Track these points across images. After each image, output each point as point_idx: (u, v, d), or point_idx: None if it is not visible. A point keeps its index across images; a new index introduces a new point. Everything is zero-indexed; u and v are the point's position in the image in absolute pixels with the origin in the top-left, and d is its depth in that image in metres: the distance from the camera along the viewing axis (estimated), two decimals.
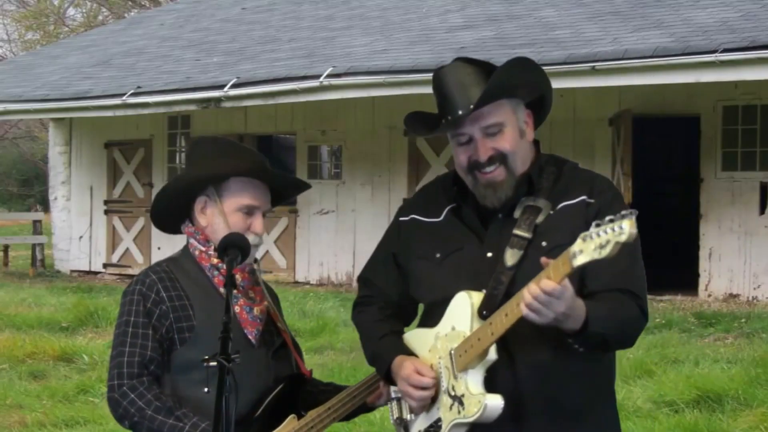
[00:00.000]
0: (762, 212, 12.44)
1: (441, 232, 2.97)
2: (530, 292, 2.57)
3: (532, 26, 13.61)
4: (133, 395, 2.98)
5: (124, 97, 15.40)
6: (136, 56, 17.96)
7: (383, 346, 3.00)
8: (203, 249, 3.10)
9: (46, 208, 23.13)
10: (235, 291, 3.04)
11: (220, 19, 19.55)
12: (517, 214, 2.85)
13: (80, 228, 18.37)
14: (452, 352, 2.79)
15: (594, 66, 11.36)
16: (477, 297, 2.79)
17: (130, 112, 15.85)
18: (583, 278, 2.76)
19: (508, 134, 2.87)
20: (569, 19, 13.56)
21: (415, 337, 2.98)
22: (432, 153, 14.77)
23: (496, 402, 2.72)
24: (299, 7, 18.85)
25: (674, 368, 8.42)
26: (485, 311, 2.76)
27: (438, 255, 2.94)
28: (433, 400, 2.86)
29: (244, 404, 2.95)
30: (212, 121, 16.67)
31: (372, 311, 3.09)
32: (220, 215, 3.06)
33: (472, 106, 2.82)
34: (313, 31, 16.61)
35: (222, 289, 3.02)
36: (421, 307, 3.11)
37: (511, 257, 2.79)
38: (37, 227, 19.13)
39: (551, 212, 2.83)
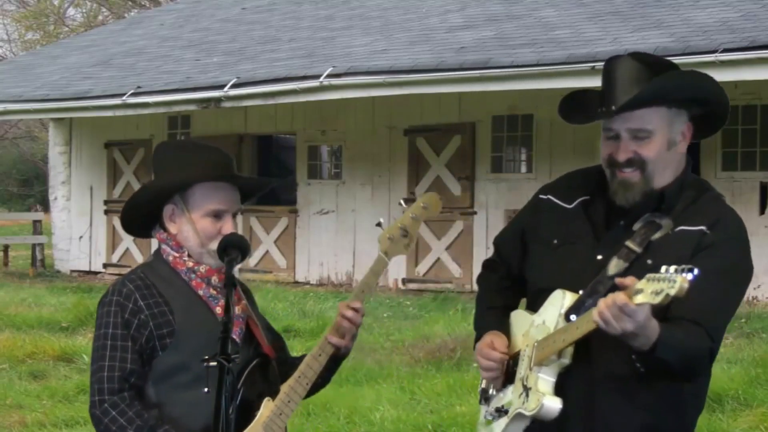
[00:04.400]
0: (762, 212, 12.44)
1: (566, 219, 3.01)
2: (606, 303, 2.61)
3: (532, 26, 13.60)
4: (114, 412, 2.96)
5: (124, 97, 15.40)
6: (136, 56, 17.96)
7: (485, 318, 3.14)
8: (177, 255, 3.08)
9: (46, 208, 23.13)
10: (214, 292, 3.05)
11: (220, 19, 19.55)
12: (636, 226, 2.86)
13: (80, 228, 18.38)
14: (536, 344, 2.89)
15: (594, 66, 11.33)
16: (570, 298, 2.86)
17: (130, 112, 15.85)
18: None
19: (654, 143, 2.86)
20: (569, 19, 13.56)
21: (518, 317, 3.08)
22: (432, 153, 14.77)
23: (553, 404, 2.81)
24: (299, 7, 18.85)
25: None
26: (572, 315, 2.81)
27: (555, 242, 3.00)
28: (511, 381, 2.97)
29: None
30: (212, 121, 16.68)
31: (493, 278, 3.21)
32: (189, 223, 3.05)
33: (614, 107, 2.84)
34: (313, 31, 16.61)
35: (201, 291, 3.04)
36: None
37: (614, 267, 2.81)
38: (37, 227, 19.13)
39: (669, 233, 2.83)
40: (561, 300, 2.86)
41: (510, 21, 14.13)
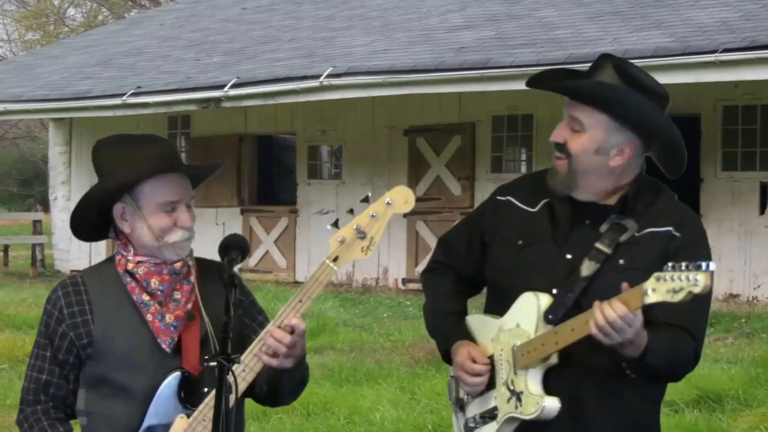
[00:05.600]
0: (762, 212, 12.44)
1: (530, 222, 3.02)
2: (606, 315, 2.65)
3: (532, 26, 13.60)
4: (25, 425, 2.98)
5: (124, 97, 15.40)
6: (136, 56, 17.96)
7: (446, 326, 3.09)
8: (124, 254, 2.97)
9: (46, 208, 23.14)
10: (147, 298, 2.91)
11: (220, 19, 19.55)
12: (603, 228, 2.91)
13: None
14: (515, 348, 2.89)
15: None
16: (545, 300, 2.87)
17: (130, 112, 15.84)
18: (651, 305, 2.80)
19: (582, 140, 2.91)
20: (569, 19, 13.56)
21: (479, 322, 3.07)
22: (432, 153, 14.77)
23: (553, 404, 2.83)
24: (299, 7, 18.85)
25: None
26: (551, 315, 2.85)
27: (520, 242, 3.00)
28: (489, 387, 2.96)
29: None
30: (212, 121, 16.68)
31: (445, 282, 3.16)
32: (141, 220, 2.92)
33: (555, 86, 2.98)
34: (313, 31, 16.61)
35: (134, 296, 2.92)
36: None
37: (587, 268, 2.87)
38: (37, 227, 19.14)
39: (636, 234, 2.89)
40: (535, 302, 2.87)
41: (510, 21, 14.13)
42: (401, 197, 2.76)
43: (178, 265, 2.93)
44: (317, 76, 13.42)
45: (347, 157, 15.68)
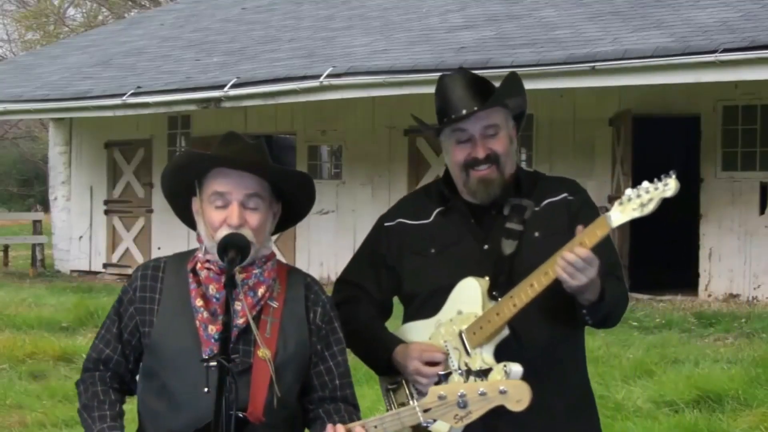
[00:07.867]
0: (762, 212, 12.44)
1: (432, 231, 3.16)
2: (566, 258, 2.78)
3: (532, 26, 13.60)
4: (81, 388, 2.98)
5: (124, 97, 15.40)
6: (136, 56, 17.96)
7: (384, 337, 3.15)
8: (198, 251, 2.93)
9: (46, 208, 23.13)
10: (200, 304, 2.83)
11: (220, 19, 19.55)
12: (506, 211, 3.10)
13: (80, 228, 18.38)
14: (462, 332, 2.97)
15: (594, 66, 11.35)
16: (484, 282, 2.99)
17: (130, 112, 15.84)
18: None
19: (502, 138, 3.13)
20: (569, 19, 13.56)
21: (410, 330, 3.13)
22: (432, 153, 14.76)
23: (517, 367, 2.89)
24: (299, 7, 18.85)
25: (674, 368, 8.42)
26: (495, 292, 2.98)
27: (432, 250, 3.13)
28: (438, 382, 3.00)
29: (183, 424, 2.79)
30: (212, 121, 16.67)
31: (362, 308, 3.21)
32: (200, 211, 2.86)
33: (476, 108, 3.05)
34: (313, 31, 16.61)
35: (190, 299, 2.85)
36: (396, 308, 3.29)
37: (507, 247, 3.04)
38: (37, 227, 19.13)
39: (536, 209, 3.10)
40: (476, 284, 2.98)
41: (510, 21, 14.13)
42: (517, 394, 2.63)
43: (240, 275, 2.80)
44: (317, 76, 13.42)
45: (347, 157, 15.68)
